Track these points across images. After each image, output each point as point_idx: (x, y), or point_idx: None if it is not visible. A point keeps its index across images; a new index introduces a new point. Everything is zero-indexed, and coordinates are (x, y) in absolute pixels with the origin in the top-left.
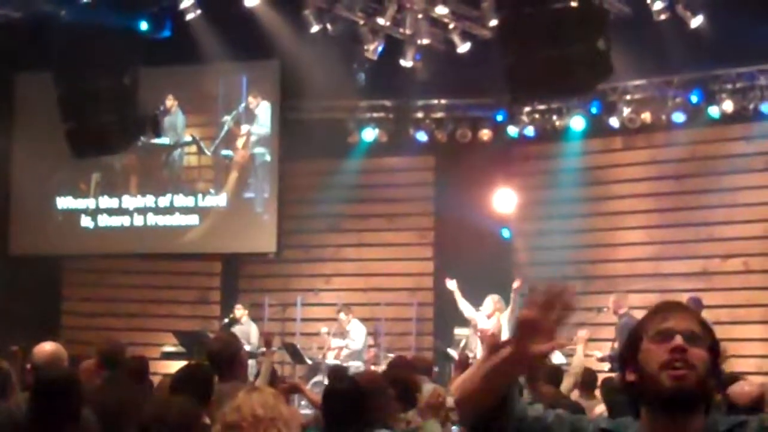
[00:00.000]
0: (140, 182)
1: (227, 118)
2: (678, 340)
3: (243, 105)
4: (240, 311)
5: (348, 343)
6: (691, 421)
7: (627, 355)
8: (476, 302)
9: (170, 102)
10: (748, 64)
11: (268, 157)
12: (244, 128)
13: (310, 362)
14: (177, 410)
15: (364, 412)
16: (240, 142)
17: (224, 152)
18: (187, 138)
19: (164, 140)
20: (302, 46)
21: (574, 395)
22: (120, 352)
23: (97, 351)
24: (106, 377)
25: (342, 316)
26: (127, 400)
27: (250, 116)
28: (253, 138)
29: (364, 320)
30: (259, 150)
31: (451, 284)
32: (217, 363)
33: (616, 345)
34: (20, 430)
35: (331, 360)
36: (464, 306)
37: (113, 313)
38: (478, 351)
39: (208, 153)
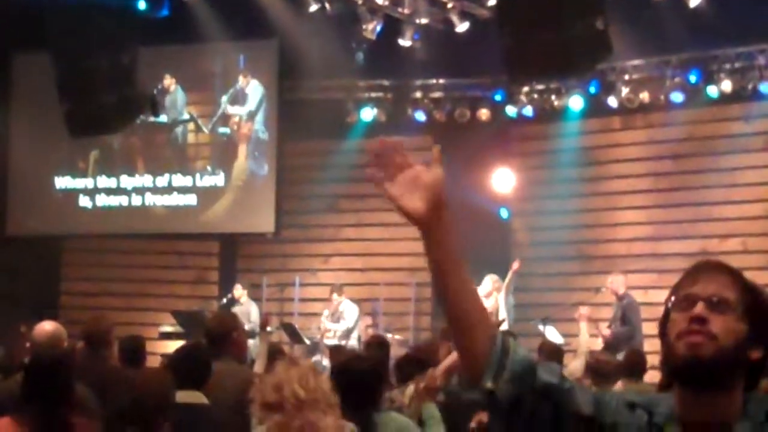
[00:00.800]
0: (140, 161)
1: (224, 97)
2: (699, 308)
3: (239, 83)
4: (239, 291)
5: (343, 324)
6: (720, 399)
7: (660, 327)
8: (474, 282)
9: (168, 81)
10: (746, 43)
11: (264, 135)
12: (240, 107)
13: (308, 342)
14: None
15: (377, 394)
16: (236, 120)
17: (221, 130)
18: (186, 116)
19: (164, 118)
20: (300, 26)
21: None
22: (106, 332)
23: (82, 331)
24: (86, 358)
25: (335, 296)
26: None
27: (244, 94)
28: (247, 116)
29: (362, 300)
30: (254, 128)
31: None
32: (212, 341)
33: (613, 326)
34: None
35: (329, 341)
36: None
37: (112, 292)
38: None
39: (206, 130)
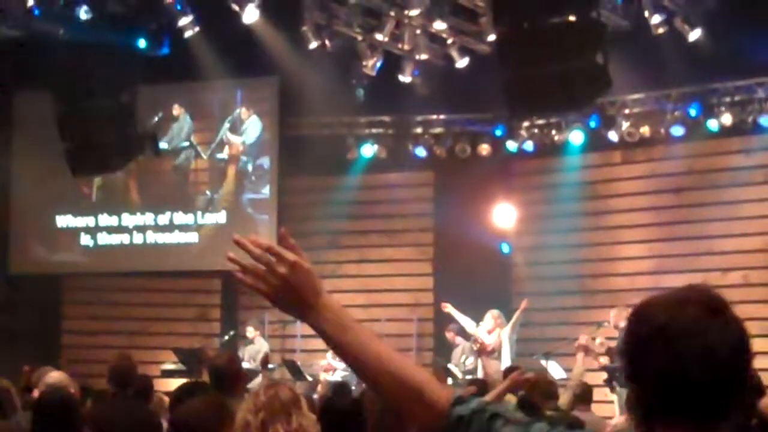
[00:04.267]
0: (140, 191)
1: (224, 127)
2: None
3: (237, 112)
4: (251, 332)
5: None
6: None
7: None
8: (476, 318)
9: (177, 110)
10: (746, 77)
11: (266, 167)
12: (238, 137)
13: (310, 379)
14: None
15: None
16: (237, 154)
17: (219, 155)
18: (186, 144)
19: (165, 146)
20: (301, 63)
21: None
22: (131, 369)
23: (109, 368)
24: (116, 395)
25: None
26: (139, 421)
27: (243, 126)
28: (246, 148)
29: None
30: (254, 162)
31: (448, 307)
32: (218, 379)
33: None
34: None
35: (332, 377)
36: (465, 322)
37: (113, 331)
38: (479, 368)
39: (205, 156)
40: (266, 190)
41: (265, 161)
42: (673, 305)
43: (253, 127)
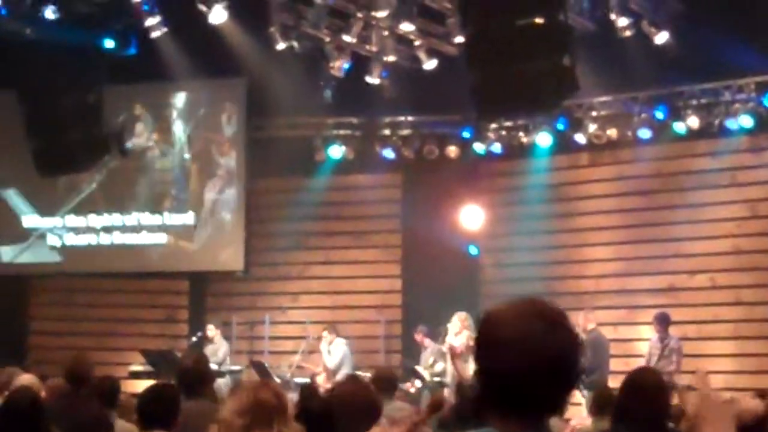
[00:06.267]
0: (107, 194)
1: (191, 127)
2: None
3: (204, 113)
4: (212, 331)
5: (326, 360)
6: None
7: None
8: (444, 319)
9: (139, 110)
10: (713, 80)
11: (233, 173)
12: (205, 138)
13: (278, 380)
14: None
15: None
16: (204, 155)
17: (185, 156)
18: (150, 143)
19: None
20: (268, 64)
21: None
22: (87, 370)
23: (65, 368)
24: (71, 395)
25: (325, 334)
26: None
27: (213, 130)
28: (212, 149)
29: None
30: (221, 162)
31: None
32: (186, 381)
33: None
34: None
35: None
36: (435, 347)
37: (81, 332)
38: (447, 371)
39: (170, 157)
40: (233, 191)
41: (232, 162)
42: (515, 316)
43: (219, 127)
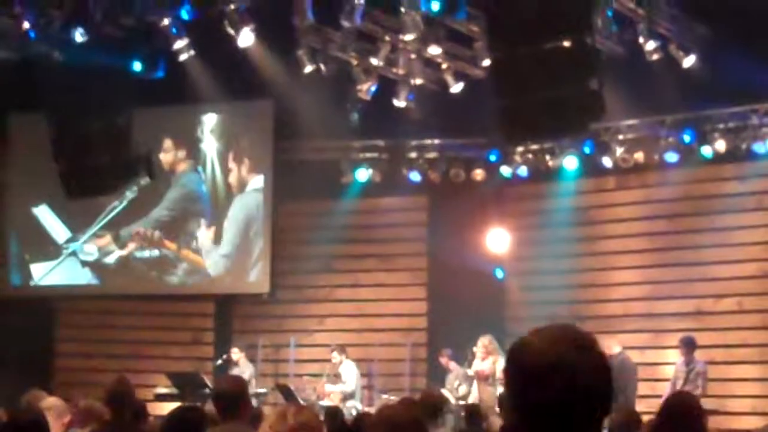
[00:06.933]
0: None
1: (220, 150)
2: None
3: (230, 134)
4: (237, 354)
5: (341, 387)
6: None
7: None
8: (469, 342)
9: (168, 144)
10: (740, 103)
11: (260, 196)
12: (233, 161)
13: (303, 403)
14: None
15: None
16: (231, 177)
17: (213, 177)
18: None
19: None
20: (295, 87)
21: None
22: (129, 392)
23: (106, 390)
24: (112, 418)
25: (335, 355)
26: None
27: (241, 153)
28: (242, 174)
29: (358, 361)
30: (250, 187)
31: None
32: (223, 403)
33: None
34: None
35: (327, 403)
36: (460, 370)
37: (107, 354)
38: (472, 393)
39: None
40: (260, 214)
41: (259, 184)
42: (547, 344)
43: (247, 150)
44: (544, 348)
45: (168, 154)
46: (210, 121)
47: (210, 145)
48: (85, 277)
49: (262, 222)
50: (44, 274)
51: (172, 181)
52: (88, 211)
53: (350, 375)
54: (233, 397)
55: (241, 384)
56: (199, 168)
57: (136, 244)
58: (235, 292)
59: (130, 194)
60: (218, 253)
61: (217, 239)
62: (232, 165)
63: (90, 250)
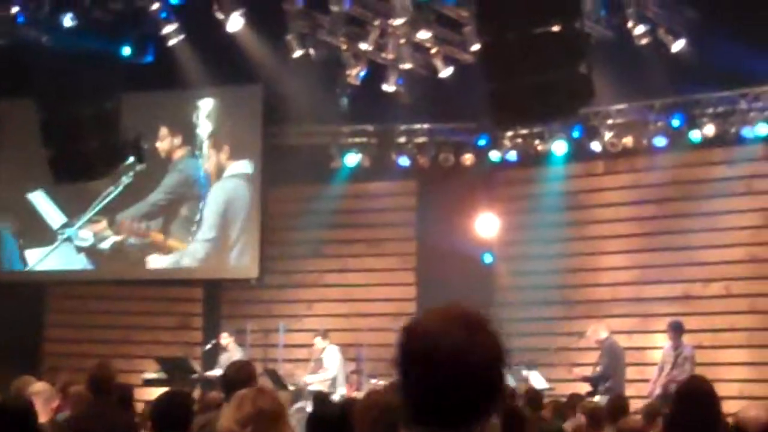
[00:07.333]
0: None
1: (208, 135)
2: None
3: (219, 119)
4: (226, 339)
5: (322, 375)
6: None
7: None
8: None
9: (163, 131)
10: (729, 88)
11: (241, 180)
12: (222, 145)
13: (292, 388)
14: None
15: None
16: (218, 161)
17: (202, 162)
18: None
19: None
20: (285, 72)
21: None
22: (110, 377)
23: (87, 375)
24: (94, 403)
25: (318, 341)
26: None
27: (228, 137)
28: (231, 159)
29: (346, 346)
30: (238, 171)
31: None
32: (230, 389)
33: (598, 368)
34: None
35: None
36: None
37: (95, 339)
38: None
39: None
40: (248, 198)
41: (248, 169)
42: (433, 326)
43: (235, 135)
44: (430, 329)
45: (164, 142)
46: (206, 105)
47: (205, 130)
48: (80, 263)
49: (251, 207)
50: (39, 259)
51: (170, 168)
52: (84, 197)
53: (332, 361)
54: (241, 384)
55: (248, 371)
56: (197, 153)
57: (125, 234)
58: (224, 277)
59: (126, 179)
60: (201, 237)
61: (206, 224)
62: (220, 150)
63: (85, 236)
